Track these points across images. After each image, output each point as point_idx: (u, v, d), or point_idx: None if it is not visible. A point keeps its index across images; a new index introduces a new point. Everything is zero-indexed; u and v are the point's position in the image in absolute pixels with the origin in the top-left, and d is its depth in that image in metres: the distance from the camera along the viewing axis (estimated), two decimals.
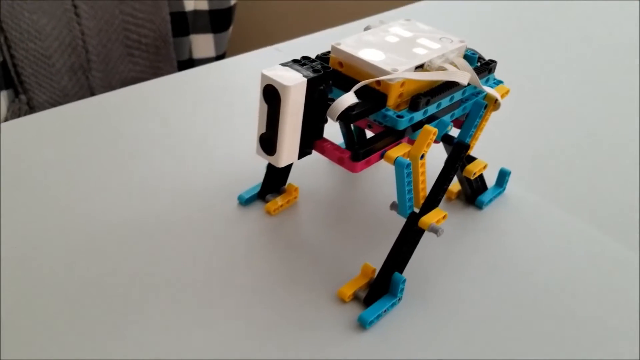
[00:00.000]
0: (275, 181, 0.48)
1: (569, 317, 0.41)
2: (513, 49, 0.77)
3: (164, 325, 0.38)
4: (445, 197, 0.50)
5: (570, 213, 0.50)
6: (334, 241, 0.45)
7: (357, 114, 0.37)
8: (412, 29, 0.44)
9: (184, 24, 1.18)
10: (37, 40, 1.09)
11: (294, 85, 0.35)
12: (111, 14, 1.14)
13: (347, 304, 0.40)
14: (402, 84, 0.38)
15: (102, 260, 0.42)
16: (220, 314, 0.39)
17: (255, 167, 0.49)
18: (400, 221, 0.41)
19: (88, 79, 1.16)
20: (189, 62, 1.22)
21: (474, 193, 0.49)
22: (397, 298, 0.40)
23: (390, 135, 0.39)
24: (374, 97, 0.39)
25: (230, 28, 1.22)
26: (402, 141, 0.40)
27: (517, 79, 0.69)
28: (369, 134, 0.43)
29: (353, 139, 0.47)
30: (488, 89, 0.43)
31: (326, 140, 0.40)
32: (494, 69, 0.45)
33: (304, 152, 0.39)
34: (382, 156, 0.39)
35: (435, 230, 0.38)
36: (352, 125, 0.46)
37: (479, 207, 0.49)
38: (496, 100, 0.43)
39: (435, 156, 0.45)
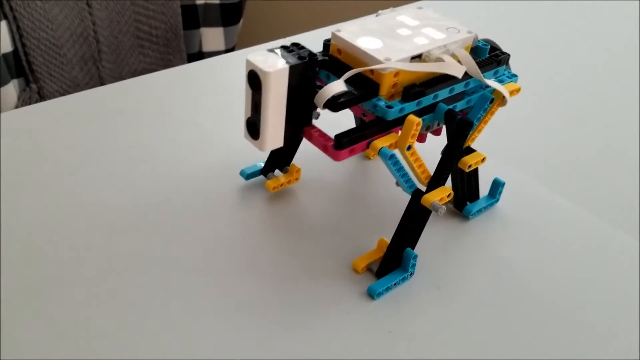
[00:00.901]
0: (278, 160, 0.48)
1: (566, 322, 0.41)
2: (517, 48, 0.77)
3: (181, 306, 0.39)
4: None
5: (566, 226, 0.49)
6: (343, 219, 0.47)
7: (343, 102, 0.37)
8: (421, 17, 0.43)
9: (194, 16, 1.19)
10: (49, 30, 1.10)
11: (275, 71, 0.35)
12: (123, 5, 1.14)
13: (360, 275, 0.42)
14: (397, 73, 0.38)
15: (111, 244, 0.43)
16: (235, 286, 0.41)
17: (263, 157, 0.49)
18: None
19: (98, 70, 1.17)
20: (198, 55, 1.23)
21: (463, 198, 0.47)
22: (409, 273, 0.41)
23: (380, 125, 0.39)
24: (366, 85, 0.38)
25: (241, 22, 1.22)
26: (394, 131, 0.40)
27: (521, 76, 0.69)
28: None
29: None
30: (492, 83, 0.42)
31: (314, 127, 0.40)
32: (505, 61, 0.44)
33: (290, 137, 0.39)
34: (368, 145, 0.38)
35: (436, 209, 0.39)
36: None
37: (466, 216, 0.48)
38: (504, 96, 0.42)
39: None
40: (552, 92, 0.68)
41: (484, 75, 0.42)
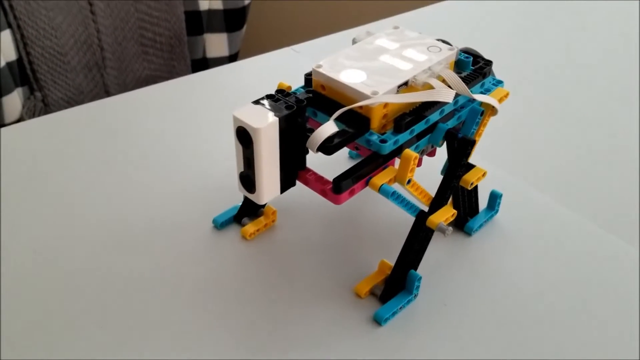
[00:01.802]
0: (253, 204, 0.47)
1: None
2: (515, 50, 0.76)
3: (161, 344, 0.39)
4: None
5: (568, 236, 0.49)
6: (345, 243, 0.46)
7: (336, 144, 0.36)
8: (399, 39, 0.42)
9: (198, 22, 1.18)
10: (53, 38, 1.10)
11: (265, 127, 0.34)
12: (126, 12, 1.14)
13: (363, 300, 0.41)
14: (386, 105, 0.37)
15: (114, 260, 0.43)
16: (239, 314, 0.40)
17: None
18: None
19: (103, 77, 1.17)
20: (202, 61, 1.22)
21: (464, 215, 0.47)
22: (413, 295, 0.41)
23: (376, 160, 0.38)
24: (357, 121, 0.38)
25: (244, 27, 1.22)
26: (390, 163, 0.39)
27: (515, 81, 0.68)
28: None
29: None
30: (482, 97, 0.41)
31: (309, 171, 0.39)
32: (489, 72, 0.43)
33: (286, 185, 0.38)
34: (367, 183, 0.38)
35: (442, 230, 0.38)
36: None
37: (468, 233, 0.48)
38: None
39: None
40: (550, 98, 0.67)
41: (471, 90, 0.41)
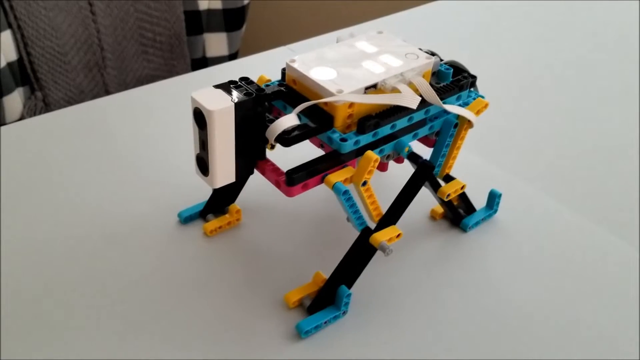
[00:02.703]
0: (221, 200, 0.47)
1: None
2: (514, 49, 0.75)
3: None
4: (429, 216, 0.48)
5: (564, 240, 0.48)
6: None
7: (294, 137, 0.36)
8: (380, 44, 0.42)
9: (197, 22, 1.19)
10: (53, 38, 1.11)
11: (219, 110, 0.34)
12: (126, 12, 1.15)
13: (291, 311, 0.40)
14: (351, 105, 0.37)
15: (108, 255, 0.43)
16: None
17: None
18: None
19: (103, 77, 1.18)
20: (202, 60, 1.23)
21: (456, 216, 0.47)
22: (341, 311, 0.39)
23: (335, 158, 0.38)
24: (321, 117, 0.37)
25: (244, 27, 1.22)
26: (351, 163, 0.39)
27: (514, 79, 0.67)
28: None
29: None
30: (454, 108, 0.41)
31: (268, 162, 0.39)
32: (467, 85, 0.42)
33: (243, 172, 0.38)
34: (322, 180, 0.38)
35: (383, 249, 0.37)
36: None
37: (464, 229, 0.47)
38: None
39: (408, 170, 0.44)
40: (551, 97, 0.66)
41: (446, 101, 0.41)
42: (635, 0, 0.88)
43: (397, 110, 0.39)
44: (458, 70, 0.43)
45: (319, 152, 0.42)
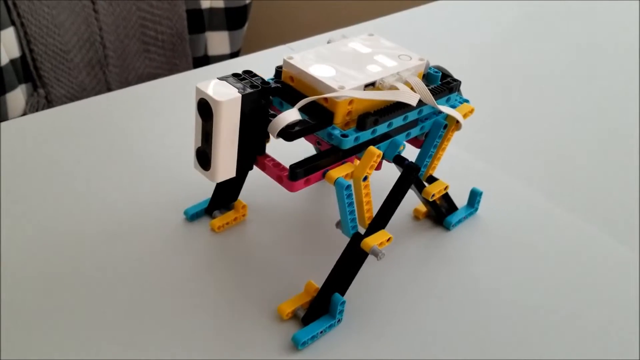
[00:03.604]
0: (224, 196, 0.47)
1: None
2: (508, 49, 0.75)
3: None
4: (413, 216, 0.49)
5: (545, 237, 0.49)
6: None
7: (297, 131, 0.36)
8: (372, 45, 0.43)
9: (199, 21, 1.19)
10: (56, 36, 1.11)
11: (227, 100, 0.34)
12: (128, 10, 1.15)
13: (286, 322, 0.40)
14: (351, 102, 0.38)
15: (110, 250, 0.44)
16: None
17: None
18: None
19: (105, 74, 1.18)
20: (204, 59, 1.23)
21: (439, 215, 0.48)
22: (336, 320, 0.39)
23: (336, 154, 0.38)
24: (321, 114, 0.38)
25: (245, 26, 1.22)
26: (349, 160, 0.39)
27: (507, 79, 0.68)
28: None
29: None
30: (446, 109, 0.41)
31: (268, 157, 0.39)
32: (456, 88, 0.43)
33: (243, 167, 0.38)
34: (324, 175, 0.38)
35: (376, 254, 0.38)
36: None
37: (447, 227, 0.48)
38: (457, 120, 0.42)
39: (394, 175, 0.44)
40: (547, 97, 0.66)
41: (437, 102, 0.41)
42: (635, 0, 0.88)
43: (394, 109, 0.39)
44: (443, 75, 0.44)
45: (309, 151, 0.42)
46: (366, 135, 0.38)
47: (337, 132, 0.38)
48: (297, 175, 0.37)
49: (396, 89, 0.39)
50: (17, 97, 1.10)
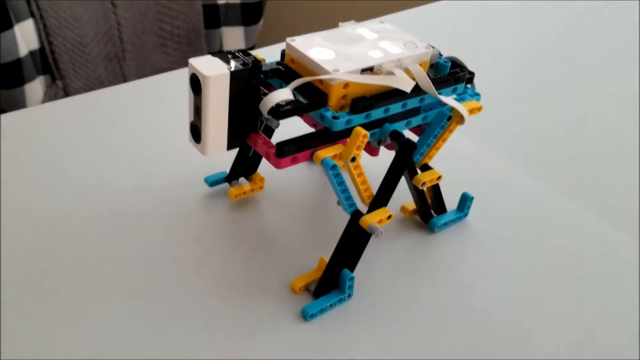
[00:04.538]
0: (243, 168, 0.48)
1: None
2: (512, 47, 0.75)
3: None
4: (399, 213, 0.48)
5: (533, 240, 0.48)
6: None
7: (287, 110, 0.37)
8: (380, 31, 0.43)
9: (215, 16, 1.20)
10: (75, 29, 1.13)
11: (215, 76, 0.35)
12: (146, 5, 1.17)
13: (298, 296, 0.41)
14: (346, 85, 0.38)
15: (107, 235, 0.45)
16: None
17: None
18: None
19: (122, 68, 1.20)
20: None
21: (427, 211, 0.46)
22: (346, 294, 0.40)
23: (327, 136, 0.39)
24: (316, 95, 0.38)
25: (261, 21, 1.23)
26: (342, 143, 0.39)
27: (511, 76, 0.68)
28: None
29: None
30: (449, 100, 0.41)
31: (260, 135, 0.40)
32: (463, 79, 0.42)
33: (234, 143, 0.39)
34: (312, 155, 0.38)
35: (373, 231, 0.38)
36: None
37: (432, 229, 0.46)
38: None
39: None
40: (550, 96, 0.66)
41: (441, 92, 0.41)
42: (635, 0, 0.87)
43: (392, 95, 0.39)
44: (456, 65, 0.43)
45: None
46: (359, 119, 0.38)
47: (328, 114, 0.38)
48: (283, 152, 0.37)
49: (393, 74, 0.39)
50: (36, 88, 1.12)
